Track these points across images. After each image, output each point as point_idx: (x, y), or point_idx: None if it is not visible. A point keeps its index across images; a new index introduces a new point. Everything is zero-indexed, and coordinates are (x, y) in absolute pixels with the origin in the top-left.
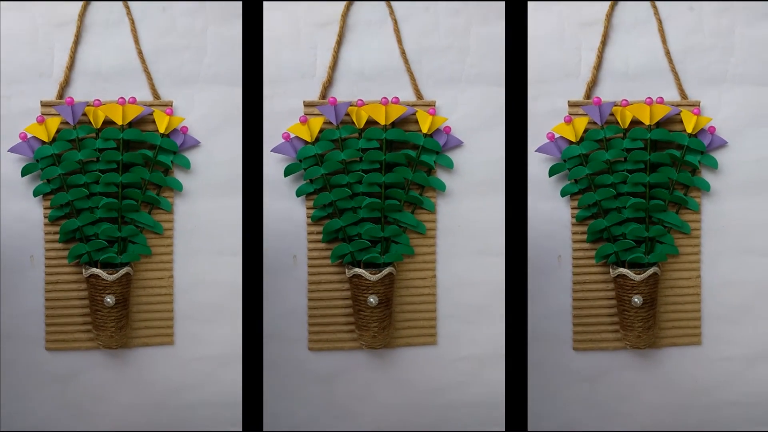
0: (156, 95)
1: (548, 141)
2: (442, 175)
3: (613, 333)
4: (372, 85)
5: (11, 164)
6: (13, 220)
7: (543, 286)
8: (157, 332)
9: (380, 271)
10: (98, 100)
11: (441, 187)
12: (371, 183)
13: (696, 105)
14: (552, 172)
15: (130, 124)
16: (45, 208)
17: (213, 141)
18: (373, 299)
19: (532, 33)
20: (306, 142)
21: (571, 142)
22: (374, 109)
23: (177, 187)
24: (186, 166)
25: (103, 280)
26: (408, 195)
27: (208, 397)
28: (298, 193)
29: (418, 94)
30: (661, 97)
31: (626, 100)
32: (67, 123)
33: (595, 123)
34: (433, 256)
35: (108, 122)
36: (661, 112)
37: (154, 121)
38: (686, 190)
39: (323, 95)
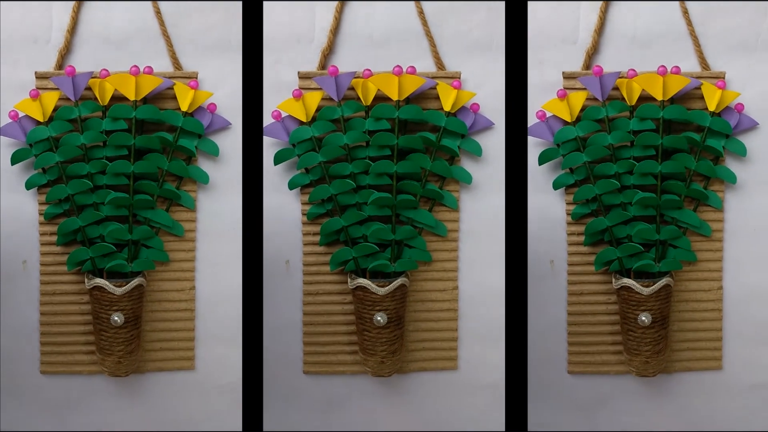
0: (177, 65)
1: (538, 121)
2: (467, 164)
3: (616, 355)
4: (382, 52)
5: (0, 150)
6: (2, 218)
7: (532, 296)
8: (174, 355)
9: (390, 283)
10: (106, 71)
11: (466, 179)
12: (380, 173)
13: (720, 77)
14: (542, 159)
15: (145, 101)
16: (40, 204)
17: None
18: (381, 317)
19: None
20: (301, 123)
21: (565, 123)
22: (385, 81)
23: (202, 179)
24: (213, 152)
25: (110, 293)
26: (425, 188)
27: (234, 430)
28: (291, 186)
29: (440, 64)
30: (678, 67)
31: (634, 70)
32: (67, 99)
33: (595, 99)
34: (454, 264)
35: (118, 98)
36: (677, 85)
37: (174, 97)
38: (707, 182)
39: (322, 65)
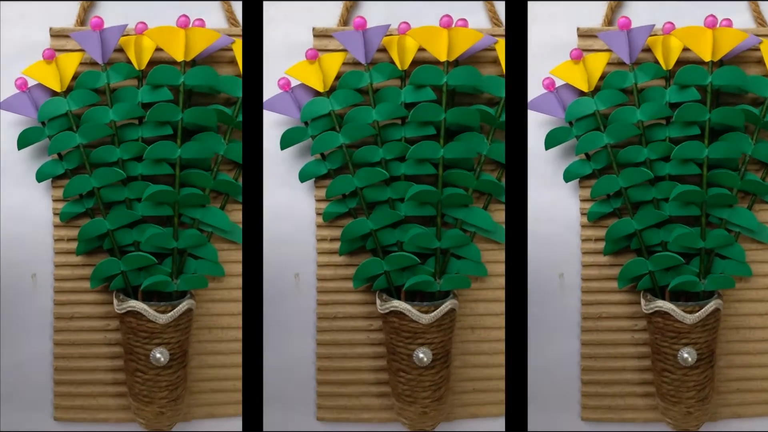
0: (233, 20)
1: (545, 92)
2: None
3: (645, 398)
4: (422, 4)
5: (4, 129)
6: (7, 218)
7: (535, 321)
8: (229, 398)
9: (437, 307)
10: (143, 23)
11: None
12: (421, 160)
13: None
14: (550, 141)
15: (195, 63)
16: (55, 200)
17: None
18: (424, 354)
19: None
20: (317, 93)
21: (581, 93)
22: (429, 37)
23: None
24: None
25: (151, 322)
26: (480, 180)
27: None
28: (303, 177)
29: (495, 18)
30: (729, 19)
31: (671, 23)
32: (92, 62)
33: (620, 62)
34: None
35: (159, 60)
36: (731, 41)
37: (231, 60)
38: (766, 171)
39: (344, 19)
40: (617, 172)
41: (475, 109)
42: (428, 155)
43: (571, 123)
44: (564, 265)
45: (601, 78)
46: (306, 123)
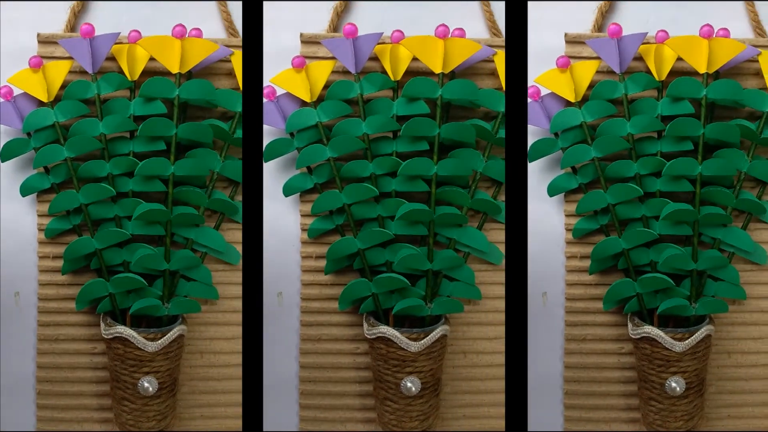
0: (232, 30)
1: (530, 101)
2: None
3: (630, 424)
4: (417, 11)
5: None
6: None
7: (534, 353)
8: (221, 425)
9: (427, 334)
10: (137, 32)
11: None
12: (413, 176)
13: None
14: (534, 153)
15: (190, 75)
16: (40, 216)
17: None
18: (412, 384)
19: None
20: (303, 103)
21: (568, 103)
22: (424, 46)
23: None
24: None
25: (139, 349)
26: (475, 198)
27: None
28: (288, 191)
29: (495, 29)
30: (726, 29)
31: (665, 32)
32: (82, 71)
33: (610, 71)
34: None
35: (153, 71)
36: (728, 53)
37: (230, 72)
38: (762, 189)
39: (334, 25)
40: (605, 188)
41: (471, 124)
42: (421, 172)
43: (556, 134)
44: (547, 283)
45: (590, 87)
46: (291, 134)
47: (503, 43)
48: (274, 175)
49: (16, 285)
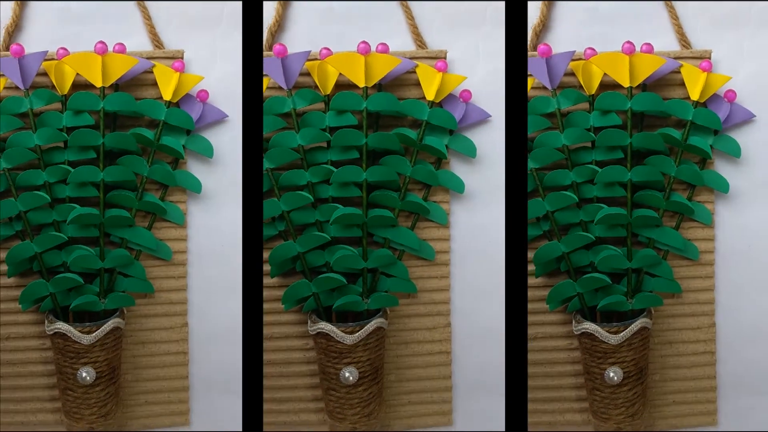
0: (157, 42)
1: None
2: (458, 168)
3: (583, 414)
4: (345, 27)
5: None
6: None
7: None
8: (165, 410)
9: (362, 327)
10: (64, 49)
11: (457, 187)
12: (346, 182)
13: (705, 56)
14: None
15: (116, 88)
16: None
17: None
18: (350, 374)
19: None
20: None
21: None
22: (348, 63)
23: (193, 187)
24: (206, 153)
25: (76, 342)
26: (405, 200)
27: None
28: None
29: (419, 41)
30: (649, 44)
31: (593, 49)
32: (14, 87)
33: (543, 87)
34: (446, 294)
35: (81, 84)
36: (649, 67)
37: (155, 83)
38: (691, 191)
39: (269, 44)
40: (543, 196)
41: (395, 133)
42: (352, 178)
43: None
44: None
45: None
46: None
47: (428, 55)
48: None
49: None
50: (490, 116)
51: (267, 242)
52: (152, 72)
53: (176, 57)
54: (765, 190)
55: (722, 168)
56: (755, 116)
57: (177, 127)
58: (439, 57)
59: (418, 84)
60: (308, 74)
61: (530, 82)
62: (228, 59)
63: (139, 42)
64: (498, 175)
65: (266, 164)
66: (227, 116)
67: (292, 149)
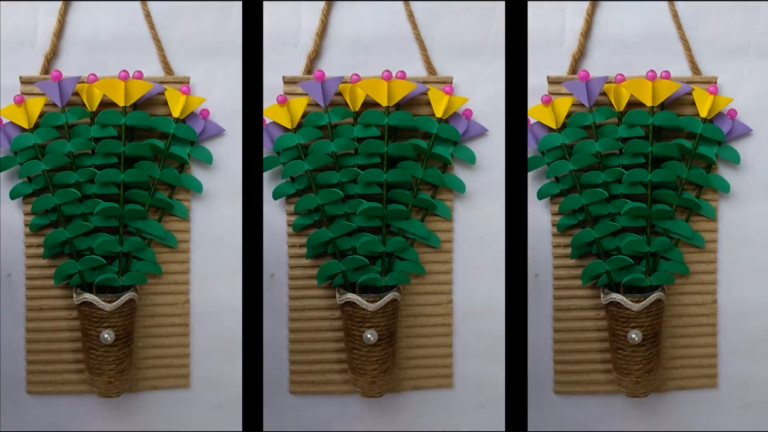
0: (168, 69)
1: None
2: (460, 172)
3: (605, 374)
4: (370, 57)
5: None
6: None
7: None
8: (169, 373)
9: (381, 298)
10: (94, 75)
11: (459, 188)
12: (369, 182)
13: (712, 82)
14: (528, 168)
15: (135, 107)
16: (25, 214)
17: (240, 129)
18: (371, 335)
19: None
20: (286, 129)
21: (551, 130)
22: (373, 87)
23: (195, 188)
24: (207, 160)
25: (100, 309)
26: (417, 198)
27: None
28: (276, 195)
29: (430, 68)
30: (667, 72)
31: (622, 75)
32: (53, 104)
33: (581, 104)
34: (448, 276)
35: (106, 103)
36: (667, 91)
37: (166, 103)
38: (699, 191)
39: (309, 69)
40: (580, 192)
41: (410, 143)
42: (375, 179)
43: (543, 153)
44: (539, 267)
45: (567, 117)
46: (278, 153)
47: (437, 80)
48: (265, 183)
49: (8, 268)
50: (488, 130)
51: (303, 231)
52: (164, 94)
53: (183, 82)
54: (760, 191)
55: (725, 172)
56: (752, 130)
57: (183, 139)
58: (447, 82)
59: (429, 104)
60: (341, 94)
61: (570, 100)
62: (225, 84)
63: (153, 69)
64: (493, 178)
65: (306, 166)
66: (224, 130)
67: (327, 154)
